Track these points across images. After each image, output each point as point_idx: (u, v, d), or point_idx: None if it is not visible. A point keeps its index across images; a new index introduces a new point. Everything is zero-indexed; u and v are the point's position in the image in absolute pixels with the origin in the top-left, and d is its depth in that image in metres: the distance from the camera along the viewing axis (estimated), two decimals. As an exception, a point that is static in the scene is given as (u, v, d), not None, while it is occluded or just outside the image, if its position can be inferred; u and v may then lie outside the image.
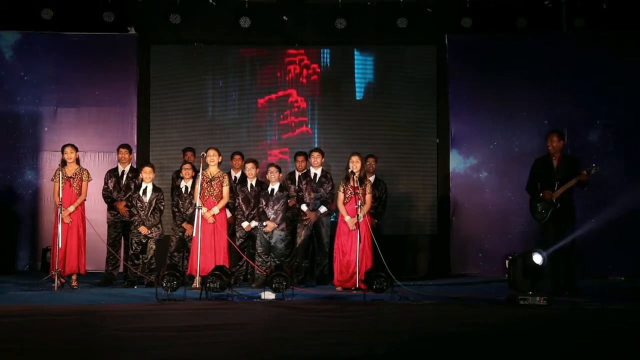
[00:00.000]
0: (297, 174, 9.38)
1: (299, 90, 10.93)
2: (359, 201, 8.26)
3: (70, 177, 8.58)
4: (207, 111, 10.98)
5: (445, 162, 10.80)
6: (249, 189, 9.06)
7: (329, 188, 9.20)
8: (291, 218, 9.18)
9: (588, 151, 10.12)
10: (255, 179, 9.12)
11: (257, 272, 8.72)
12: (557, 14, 10.57)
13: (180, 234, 8.97)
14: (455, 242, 10.69)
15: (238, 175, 9.43)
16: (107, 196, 9.14)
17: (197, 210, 8.30)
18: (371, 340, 5.27)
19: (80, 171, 8.67)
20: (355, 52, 11.01)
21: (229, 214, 8.99)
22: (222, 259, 8.43)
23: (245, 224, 9.01)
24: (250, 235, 9.07)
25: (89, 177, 8.68)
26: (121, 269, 9.33)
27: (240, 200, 9.03)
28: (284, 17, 10.84)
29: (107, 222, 9.15)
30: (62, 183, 8.40)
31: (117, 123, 10.77)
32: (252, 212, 9.00)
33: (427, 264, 10.87)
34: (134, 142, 10.58)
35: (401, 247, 10.56)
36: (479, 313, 6.76)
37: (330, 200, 9.19)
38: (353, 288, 8.15)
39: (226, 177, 8.70)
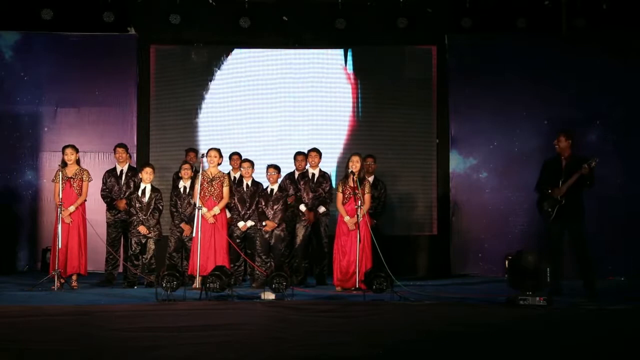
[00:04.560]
0: (296, 173, 9.37)
1: (298, 91, 10.92)
2: (359, 201, 8.26)
3: (71, 177, 8.58)
4: (207, 111, 10.97)
5: (445, 162, 10.80)
6: (245, 189, 9.05)
7: (327, 188, 9.20)
8: (290, 218, 9.18)
9: (588, 151, 10.10)
10: (251, 178, 9.11)
11: (257, 272, 8.72)
12: (557, 14, 10.54)
13: (179, 234, 8.98)
14: (455, 242, 10.69)
15: (238, 175, 9.42)
16: (106, 196, 9.13)
17: (197, 210, 8.31)
18: (371, 340, 5.27)
19: (81, 171, 8.67)
20: (355, 52, 10.99)
21: (228, 214, 8.98)
22: (222, 259, 8.43)
23: (241, 224, 9.00)
24: (247, 235, 9.06)
25: (89, 178, 8.68)
26: (121, 269, 9.33)
27: (236, 200, 9.02)
28: (284, 17, 10.84)
29: (107, 222, 9.15)
30: (62, 183, 8.41)
31: (117, 123, 10.77)
32: (248, 212, 8.99)
33: (427, 264, 10.87)
34: (133, 142, 10.59)
35: (401, 247, 10.53)
36: (479, 313, 6.76)
37: (328, 200, 9.18)
38: (353, 288, 8.15)
39: (226, 177, 8.71)
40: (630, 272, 9.90)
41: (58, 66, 10.73)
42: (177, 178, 9.45)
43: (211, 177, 8.60)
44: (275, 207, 8.82)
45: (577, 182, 7.85)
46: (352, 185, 8.44)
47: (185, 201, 8.88)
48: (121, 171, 9.19)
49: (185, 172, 8.96)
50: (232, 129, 10.91)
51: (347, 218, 8.44)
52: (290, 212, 9.13)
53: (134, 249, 8.79)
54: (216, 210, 8.51)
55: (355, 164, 8.46)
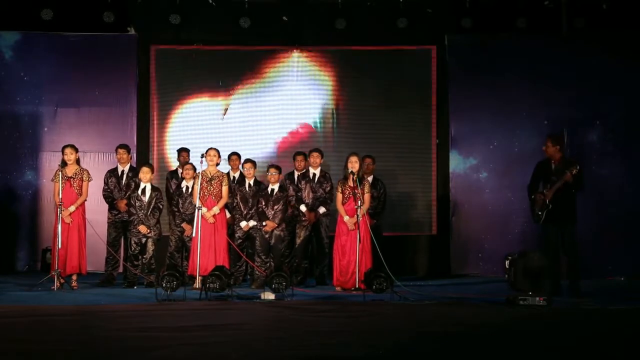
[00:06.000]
0: (296, 174, 9.37)
1: (298, 91, 10.92)
2: (358, 201, 8.26)
3: (71, 177, 8.58)
4: (206, 111, 10.96)
5: (445, 162, 10.80)
6: (247, 189, 9.05)
7: (328, 188, 9.19)
8: (290, 218, 9.18)
9: (588, 151, 10.13)
10: (253, 178, 9.11)
11: (257, 272, 8.72)
12: (557, 14, 10.56)
13: (179, 233, 8.98)
14: (455, 242, 10.69)
15: (237, 175, 9.43)
16: (108, 196, 9.14)
17: (197, 210, 8.31)
18: (371, 340, 5.27)
19: (81, 171, 8.68)
20: (355, 52, 10.99)
21: (227, 214, 8.99)
22: (222, 259, 8.43)
23: (243, 224, 9.00)
24: (249, 235, 9.07)
25: (89, 177, 8.69)
26: (121, 269, 9.33)
27: (238, 200, 9.02)
28: (284, 17, 10.84)
29: (108, 222, 9.15)
30: (62, 183, 8.41)
31: (117, 123, 10.77)
32: (250, 212, 8.99)
33: (426, 264, 10.86)
34: (133, 142, 10.58)
35: (401, 247, 10.55)
36: (479, 313, 6.77)
37: (329, 201, 9.18)
38: (353, 288, 8.15)
39: (225, 176, 8.73)
40: (630, 272, 9.90)
41: (58, 66, 10.73)
42: (171, 178, 9.48)
43: (210, 176, 8.61)
44: (275, 207, 8.82)
45: (564, 186, 7.84)
46: (351, 185, 8.44)
47: (187, 201, 8.88)
48: (122, 171, 9.19)
49: (187, 172, 8.96)
50: (231, 129, 10.90)
51: (346, 218, 8.44)
52: (290, 213, 9.13)
53: (133, 249, 8.80)
54: (215, 210, 8.52)
55: (354, 164, 8.47)
